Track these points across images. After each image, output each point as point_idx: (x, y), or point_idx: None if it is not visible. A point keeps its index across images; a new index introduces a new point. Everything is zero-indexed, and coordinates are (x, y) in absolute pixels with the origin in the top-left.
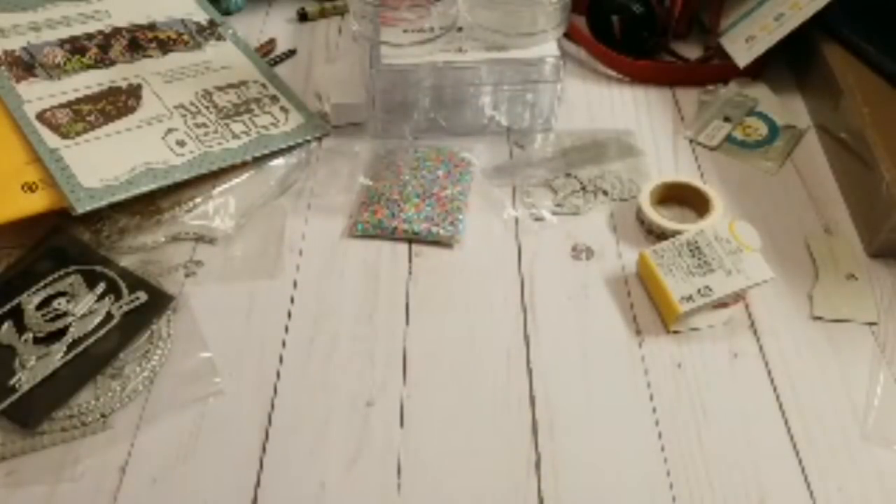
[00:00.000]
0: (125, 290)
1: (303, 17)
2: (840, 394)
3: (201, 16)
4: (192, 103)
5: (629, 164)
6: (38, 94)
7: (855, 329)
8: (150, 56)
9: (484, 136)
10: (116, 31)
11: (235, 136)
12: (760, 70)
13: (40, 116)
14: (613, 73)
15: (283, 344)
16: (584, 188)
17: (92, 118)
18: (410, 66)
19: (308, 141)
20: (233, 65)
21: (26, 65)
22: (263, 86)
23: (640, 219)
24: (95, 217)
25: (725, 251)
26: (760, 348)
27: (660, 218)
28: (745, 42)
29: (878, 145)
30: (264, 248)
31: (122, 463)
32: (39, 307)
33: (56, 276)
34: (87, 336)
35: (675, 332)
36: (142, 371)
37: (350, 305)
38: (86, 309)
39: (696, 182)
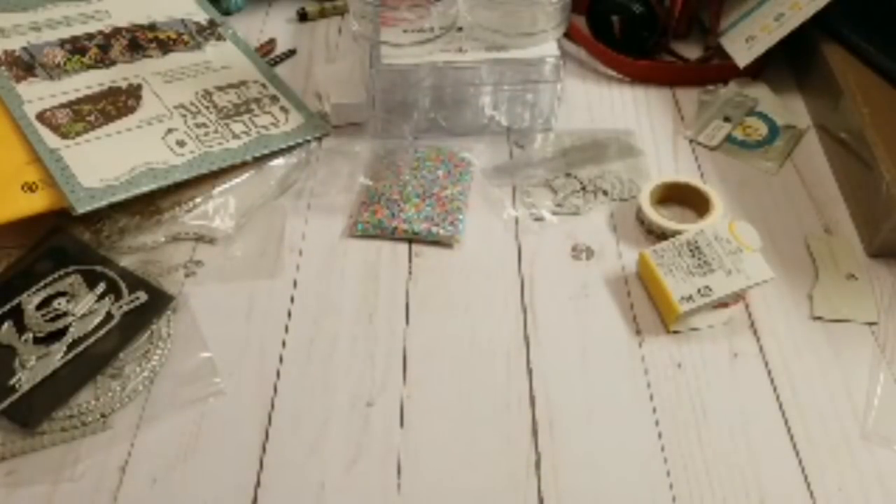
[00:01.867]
0: (125, 290)
1: (303, 17)
2: (840, 394)
3: (201, 16)
4: (192, 103)
5: (629, 164)
6: (38, 94)
7: (855, 329)
8: (150, 56)
9: (484, 136)
10: (116, 31)
11: (235, 136)
12: (760, 70)
13: (40, 116)
14: (613, 73)
15: (283, 344)
16: (584, 188)
17: (92, 118)
18: (410, 66)
19: (308, 141)
20: (233, 65)
21: (26, 65)
22: (263, 86)
23: (640, 219)
24: (95, 217)
25: (725, 251)
26: (760, 348)
27: (660, 218)
28: (745, 42)
29: (878, 145)
30: (264, 248)
31: (122, 463)
32: (39, 307)
33: (56, 276)
34: (87, 336)
35: (675, 332)
36: (142, 371)
37: (350, 305)
38: (86, 309)
39: (696, 182)
